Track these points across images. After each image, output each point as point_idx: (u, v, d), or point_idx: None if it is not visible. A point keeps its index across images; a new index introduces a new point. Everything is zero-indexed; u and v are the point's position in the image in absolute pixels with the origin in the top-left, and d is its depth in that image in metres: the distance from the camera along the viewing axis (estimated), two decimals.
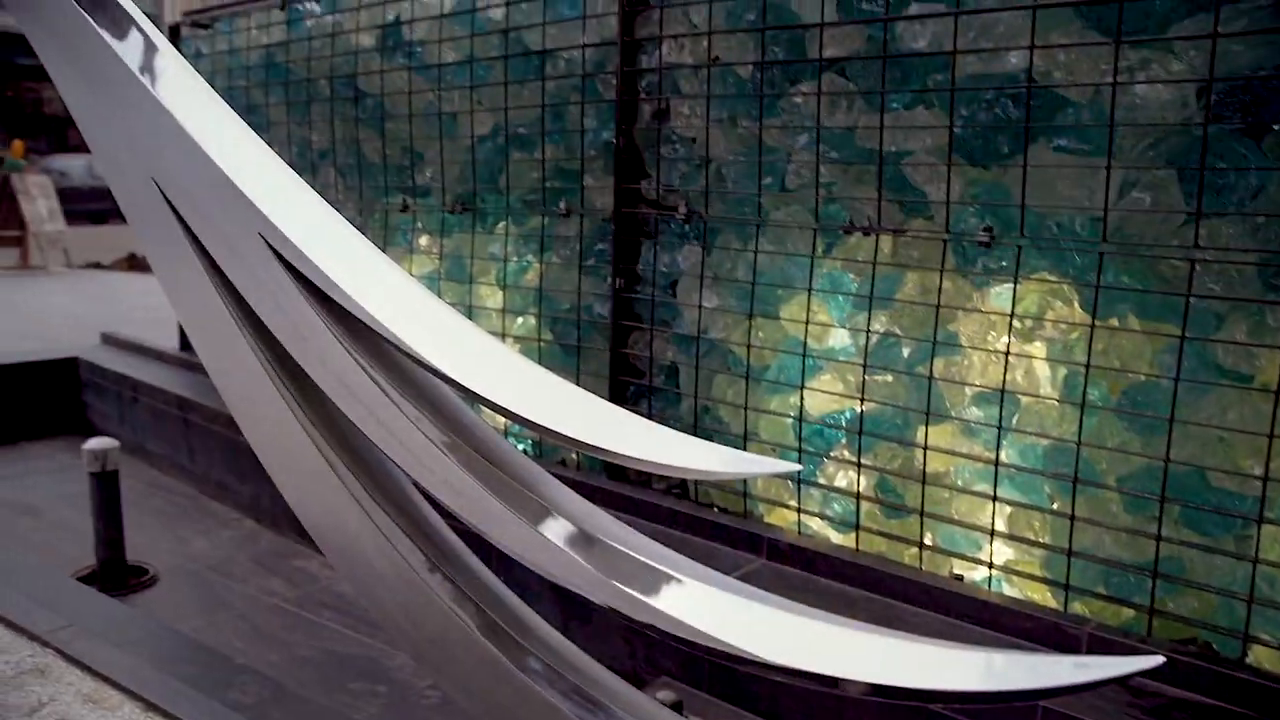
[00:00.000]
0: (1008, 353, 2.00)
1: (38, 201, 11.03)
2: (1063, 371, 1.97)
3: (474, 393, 1.01)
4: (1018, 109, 1.95)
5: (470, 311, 3.13)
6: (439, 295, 2.55)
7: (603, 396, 2.61)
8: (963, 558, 2.10)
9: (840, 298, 2.30)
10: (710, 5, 2.39)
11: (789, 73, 2.31)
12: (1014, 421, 2.02)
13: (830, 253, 2.31)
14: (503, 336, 3.02)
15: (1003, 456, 2.02)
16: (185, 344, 4.62)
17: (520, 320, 3.07)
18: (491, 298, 3.13)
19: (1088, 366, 1.88)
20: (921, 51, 2.07)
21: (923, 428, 2.13)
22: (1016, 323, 2.00)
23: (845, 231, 2.24)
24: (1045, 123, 1.93)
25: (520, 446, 2.93)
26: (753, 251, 2.40)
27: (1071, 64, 1.90)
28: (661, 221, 2.62)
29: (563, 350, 2.91)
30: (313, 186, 1.34)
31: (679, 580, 1.01)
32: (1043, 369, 2.01)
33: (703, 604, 0.98)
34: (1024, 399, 2.02)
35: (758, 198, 2.39)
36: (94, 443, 3.07)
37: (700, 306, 2.52)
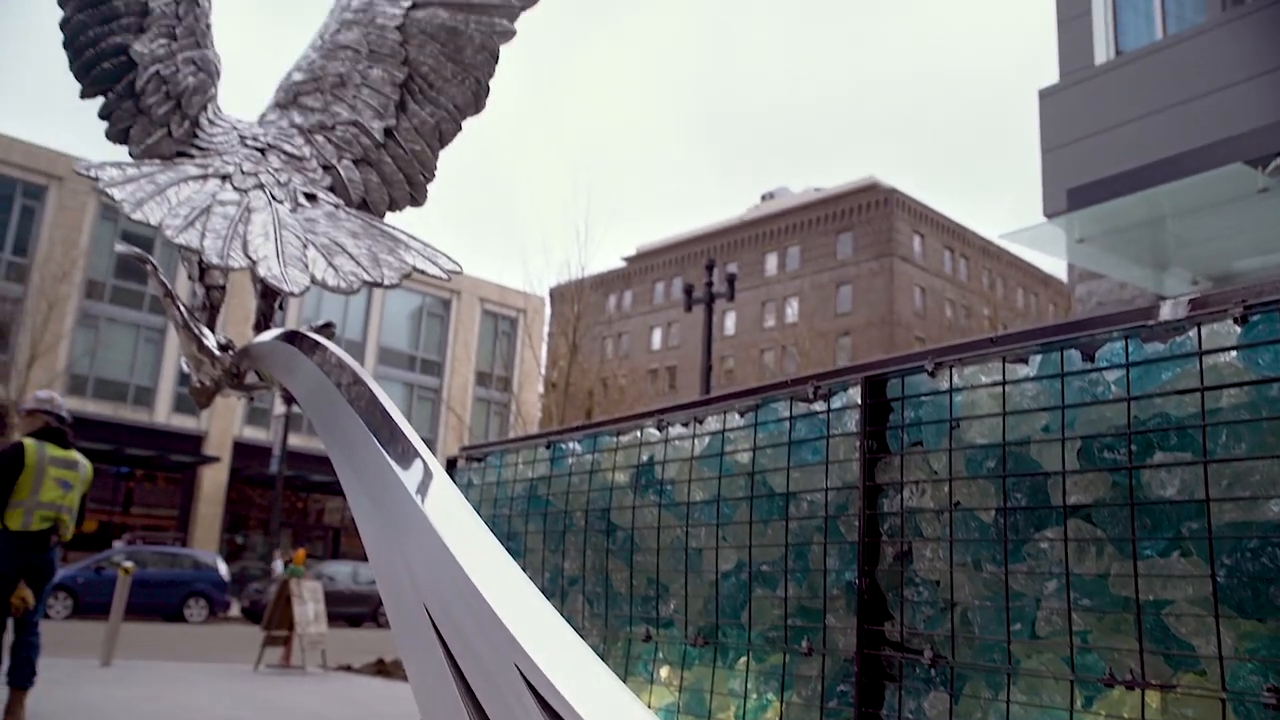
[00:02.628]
0: None
1: (308, 605, 11.89)
2: None
3: None
4: None
5: None
6: None
7: None
8: None
9: None
10: (950, 453, 2.47)
11: (1032, 518, 2.30)
12: None
13: (1091, 706, 2.16)
14: None
15: None
16: None
17: None
18: None
19: None
20: (1171, 499, 2.04)
21: None
22: None
23: (1106, 684, 2.11)
24: None
25: None
26: (1004, 701, 2.28)
27: None
28: (906, 665, 2.55)
29: None
30: (561, 611, 1.43)
31: None
32: None
33: None
34: None
35: (1007, 644, 2.30)
36: None
37: None
